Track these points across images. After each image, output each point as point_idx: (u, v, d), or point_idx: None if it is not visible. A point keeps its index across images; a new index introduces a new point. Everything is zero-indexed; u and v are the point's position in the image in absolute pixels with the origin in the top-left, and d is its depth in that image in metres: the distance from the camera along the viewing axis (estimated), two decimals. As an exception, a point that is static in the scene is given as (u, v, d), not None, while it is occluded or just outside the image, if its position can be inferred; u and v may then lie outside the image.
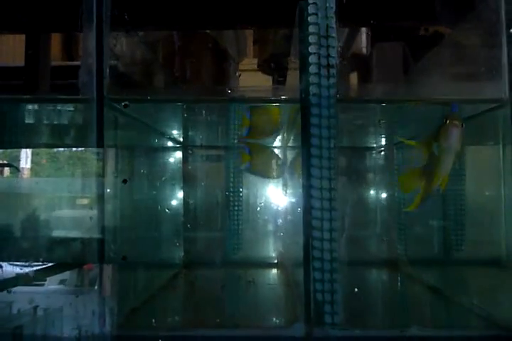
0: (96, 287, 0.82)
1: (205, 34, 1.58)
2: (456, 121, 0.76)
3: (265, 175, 1.25)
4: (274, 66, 1.71)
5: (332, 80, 0.80)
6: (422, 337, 0.78)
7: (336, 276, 0.79)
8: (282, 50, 1.48)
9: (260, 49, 1.84)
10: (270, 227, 1.51)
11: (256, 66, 1.82)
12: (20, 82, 1.32)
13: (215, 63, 1.63)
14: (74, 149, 1.13)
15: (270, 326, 0.87)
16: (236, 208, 1.42)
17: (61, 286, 1.04)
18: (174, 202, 1.44)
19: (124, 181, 0.82)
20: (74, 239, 0.89)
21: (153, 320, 0.89)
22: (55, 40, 1.59)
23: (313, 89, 0.80)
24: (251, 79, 1.72)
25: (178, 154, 1.49)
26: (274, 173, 1.21)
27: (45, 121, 1.08)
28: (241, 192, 1.42)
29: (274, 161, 1.20)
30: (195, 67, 1.45)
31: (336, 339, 0.77)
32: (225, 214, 1.44)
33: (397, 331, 0.79)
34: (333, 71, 0.80)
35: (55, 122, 1.06)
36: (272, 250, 1.53)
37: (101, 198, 0.79)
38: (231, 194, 1.42)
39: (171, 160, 1.46)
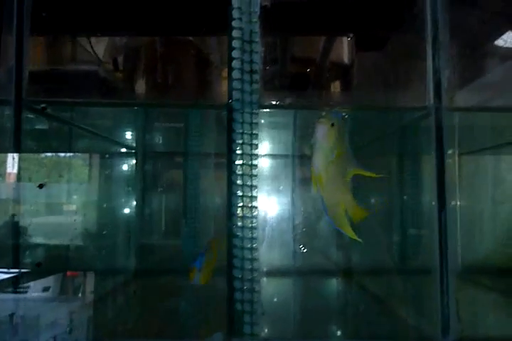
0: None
1: (188, 40, 1.57)
2: (323, 119, 0.70)
3: None
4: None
5: (255, 86, 0.79)
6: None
7: (256, 286, 0.77)
8: (271, 58, 1.48)
9: None
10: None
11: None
12: None
13: (197, 70, 1.62)
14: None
15: (188, 337, 0.84)
16: (193, 215, 1.40)
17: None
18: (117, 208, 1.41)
19: (40, 186, 0.80)
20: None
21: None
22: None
23: (235, 95, 0.79)
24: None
25: (128, 160, 1.47)
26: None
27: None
28: (198, 199, 1.41)
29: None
30: (175, 73, 1.44)
31: (254, 350, 0.75)
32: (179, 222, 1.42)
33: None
34: (256, 77, 0.79)
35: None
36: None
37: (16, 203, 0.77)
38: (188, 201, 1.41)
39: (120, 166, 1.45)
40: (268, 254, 0.81)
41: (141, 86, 1.35)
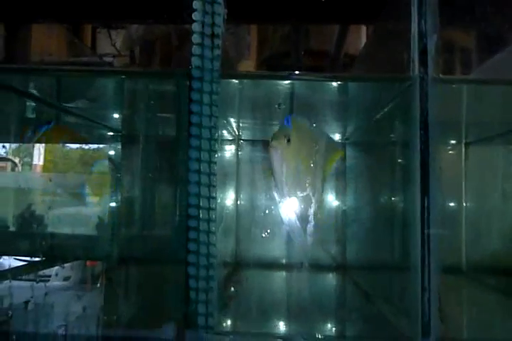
0: None
1: None
2: (275, 142, 0.69)
3: None
4: (274, 67, 1.65)
5: (216, 51, 0.71)
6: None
7: (212, 273, 0.69)
8: (281, 51, 1.44)
9: (259, 50, 1.79)
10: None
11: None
12: None
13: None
14: None
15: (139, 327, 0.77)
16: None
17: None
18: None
19: None
20: None
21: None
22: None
23: (195, 61, 0.71)
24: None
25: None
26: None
27: None
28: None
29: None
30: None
31: (207, 344, 0.68)
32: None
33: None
34: (217, 41, 0.71)
35: None
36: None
37: None
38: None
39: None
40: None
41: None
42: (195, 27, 0.71)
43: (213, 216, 0.70)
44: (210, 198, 0.70)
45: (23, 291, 0.84)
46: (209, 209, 0.70)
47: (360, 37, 1.50)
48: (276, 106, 0.91)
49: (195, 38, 0.71)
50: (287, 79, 0.82)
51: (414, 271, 0.69)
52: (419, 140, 0.69)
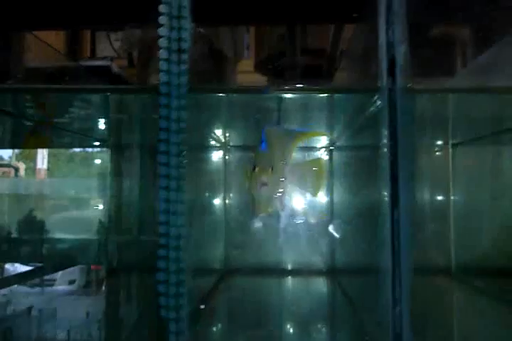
0: None
1: (201, 33, 1.53)
2: (263, 177, 0.71)
3: None
4: (270, 67, 1.64)
5: (183, 67, 0.70)
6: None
7: (182, 290, 0.69)
8: (279, 51, 1.44)
9: (256, 50, 1.78)
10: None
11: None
12: None
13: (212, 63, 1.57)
14: None
15: None
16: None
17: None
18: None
19: None
20: None
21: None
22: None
23: (162, 77, 0.70)
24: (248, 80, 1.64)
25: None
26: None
27: None
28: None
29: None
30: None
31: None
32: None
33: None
34: (184, 57, 0.70)
35: None
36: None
37: None
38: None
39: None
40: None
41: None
42: (162, 42, 0.70)
43: (181, 221, 0.69)
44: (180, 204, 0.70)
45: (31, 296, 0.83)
46: (177, 213, 0.69)
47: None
48: (255, 117, 0.91)
49: (162, 54, 0.70)
50: (258, 93, 0.81)
51: (384, 277, 0.68)
52: (388, 151, 0.68)
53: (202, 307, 0.76)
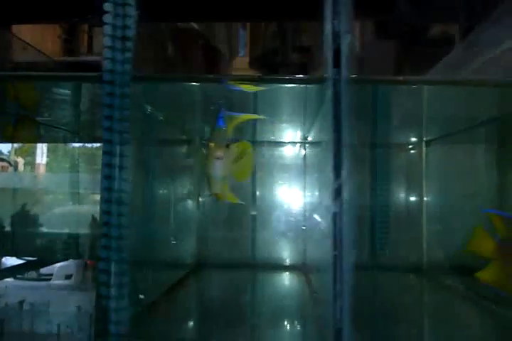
0: None
1: (196, 31, 1.53)
2: (218, 151, 0.71)
3: None
4: (265, 64, 1.64)
5: (128, 54, 0.70)
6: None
7: (124, 280, 0.68)
8: (274, 48, 1.44)
9: (251, 47, 1.78)
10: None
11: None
12: None
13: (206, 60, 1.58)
14: None
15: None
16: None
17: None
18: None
19: None
20: None
21: None
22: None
23: (106, 65, 0.70)
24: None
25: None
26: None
27: None
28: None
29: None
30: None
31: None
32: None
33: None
34: (129, 44, 0.70)
35: None
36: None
37: None
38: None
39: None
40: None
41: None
42: (106, 29, 0.70)
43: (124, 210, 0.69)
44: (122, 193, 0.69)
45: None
46: (120, 203, 0.69)
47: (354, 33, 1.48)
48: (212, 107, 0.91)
49: (106, 41, 0.70)
50: (197, 82, 0.81)
51: (326, 273, 0.67)
52: (332, 142, 0.67)
53: (141, 297, 0.75)
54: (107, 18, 0.70)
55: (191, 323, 0.90)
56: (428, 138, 1.34)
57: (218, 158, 0.78)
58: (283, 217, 1.33)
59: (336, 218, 0.67)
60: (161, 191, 1.16)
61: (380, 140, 1.30)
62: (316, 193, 1.25)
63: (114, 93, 0.69)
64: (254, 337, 0.81)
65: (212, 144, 0.79)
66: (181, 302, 1.02)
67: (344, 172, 0.67)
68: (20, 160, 1.47)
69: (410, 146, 1.38)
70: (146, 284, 0.91)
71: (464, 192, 1.26)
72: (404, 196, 1.37)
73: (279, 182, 1.38)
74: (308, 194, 1.34)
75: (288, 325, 0.85)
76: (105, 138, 0.69)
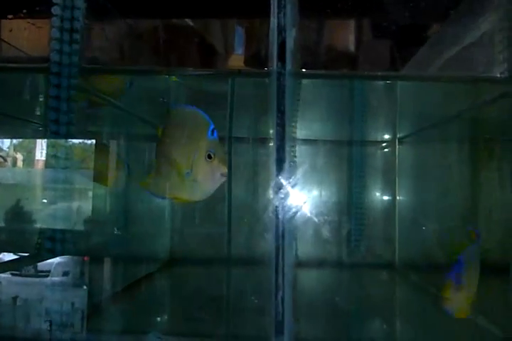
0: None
1: (192, 28, 1.53)
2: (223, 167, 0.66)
3: None
4: (261, 61, 1.64)
5: (75, 46, 0.70)
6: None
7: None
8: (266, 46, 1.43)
9: (247, 45, 1.78)
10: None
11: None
12: None
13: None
14: None
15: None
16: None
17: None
18: None
19: None
20: None
21: None
22: None
23: (53, 57, 0.70)
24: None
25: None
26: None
27: None
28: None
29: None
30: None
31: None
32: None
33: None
34: (76, 36, 0.70)
35: None
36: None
37: None
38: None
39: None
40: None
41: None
42: (54, 21, 0.70)
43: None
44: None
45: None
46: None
47: (349, 32, 1.48)
48: (161, 99, 0.91)
49: (54, 33, 0.70)
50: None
51: (269, 267, 0.67)
52: (275, 137, 0.68)
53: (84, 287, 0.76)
54: (56, 9, 0.70)
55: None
56: (401, 135, 1.33)
57: (224, 176, 0.67)
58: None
59: (277, 212, 0.67)
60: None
61: (356, 137, 1.30)
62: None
63: (60, 85, 0.70)
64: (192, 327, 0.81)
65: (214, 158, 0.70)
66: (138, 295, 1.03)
67: (286, 166, 0.67)
68: (19, 156, 1.47)
69: (384, 144, 1.37)
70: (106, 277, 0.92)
71: (437, 189, 1.26)
72: (379, 194, 1.37)
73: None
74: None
75: (236, 318, 0.86)
76: (52, 130, 0.70)
